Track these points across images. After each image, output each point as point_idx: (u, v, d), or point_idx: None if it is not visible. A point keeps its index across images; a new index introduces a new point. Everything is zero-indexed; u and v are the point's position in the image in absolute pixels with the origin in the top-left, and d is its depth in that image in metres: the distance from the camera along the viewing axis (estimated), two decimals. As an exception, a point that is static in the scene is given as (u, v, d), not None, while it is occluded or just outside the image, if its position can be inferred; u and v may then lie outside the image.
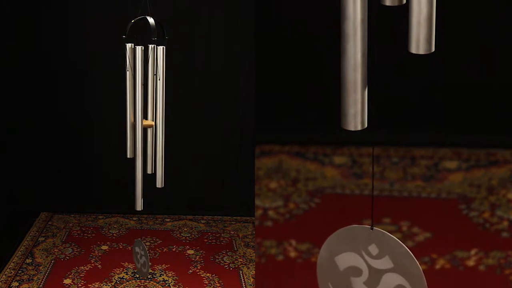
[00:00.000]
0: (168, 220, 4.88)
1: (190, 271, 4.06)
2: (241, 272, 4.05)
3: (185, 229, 4.72)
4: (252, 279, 3.92)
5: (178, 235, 4.62)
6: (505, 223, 3.71)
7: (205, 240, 4.55)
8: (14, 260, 4.11)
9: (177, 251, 4.36)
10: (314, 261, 3.44)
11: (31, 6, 4.69)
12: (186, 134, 4.89)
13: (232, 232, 4.68)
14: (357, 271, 1.91)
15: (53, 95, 4.84)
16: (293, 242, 3.58)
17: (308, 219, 3.75)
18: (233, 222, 4.87)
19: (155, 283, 3.87)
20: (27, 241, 4.42)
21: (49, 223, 4.74)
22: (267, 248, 3.54)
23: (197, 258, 4.24)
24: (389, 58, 3.94)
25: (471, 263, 3.46)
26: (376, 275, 1.87)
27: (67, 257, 4.19)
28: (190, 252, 4.34)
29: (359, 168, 4.07)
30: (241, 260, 4.21)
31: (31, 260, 4.12)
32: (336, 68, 1.63)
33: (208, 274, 4.01)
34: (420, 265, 1.80)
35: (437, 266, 3.43)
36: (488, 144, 4.19)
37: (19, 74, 4.83)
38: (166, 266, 4.09)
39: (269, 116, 4.26)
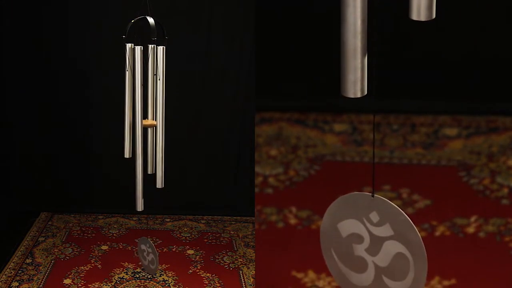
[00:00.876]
0: (168, 220, 4.88)
1: (190, 271, 4.06)
2: (241, 272, 4.04)
3: (185, 229, 4.72)
4: (252, 279, 3.91)
5: (178, 235, 4.62)
6: (505, 190, 3.71)
7: (205, 240, 4.55)
8: (14, 260, 4.11)
9: (177, 251, 4.35)
10: (314, 228, 3.44)
11: (31, 6, 4.69)
12: (186, 134, 4.89)
13: (232, 232, 4.68)
14: (359, 238, 1.91)
15: (53, 95, 4.83)
16: (293, 209, 3.58)
17: (308, 186, 3.75)
18: (233, 222, 4.87)
19: (155, 283, 3.87)
20: (27, 241, 4.41)
21: (49, 223, 4.74)
22: (267, 215, 3.54)
23: (197, 258, 4.24)
24: (390, 25, 3.94)
25: (471, 230, 3.46)
26: (377, 242, 1.88)
27: (67, 257, 4.19)
28: (190, 252, 4.34)
29: (359, 135, 4.06)
30: (241, 260, 4.21)
31: (31, 260, 4.12)
32: (336, 37, 1.61)
33: (208, 274, 4.01)
34: (419, 232, 1.80)
35: (437, 233, 3.43)
36: (488, 111, 4.18)
37: (19, 74, 4.82)
38: (166, 266, 4.09)
39: (269, 82, 4.24)
